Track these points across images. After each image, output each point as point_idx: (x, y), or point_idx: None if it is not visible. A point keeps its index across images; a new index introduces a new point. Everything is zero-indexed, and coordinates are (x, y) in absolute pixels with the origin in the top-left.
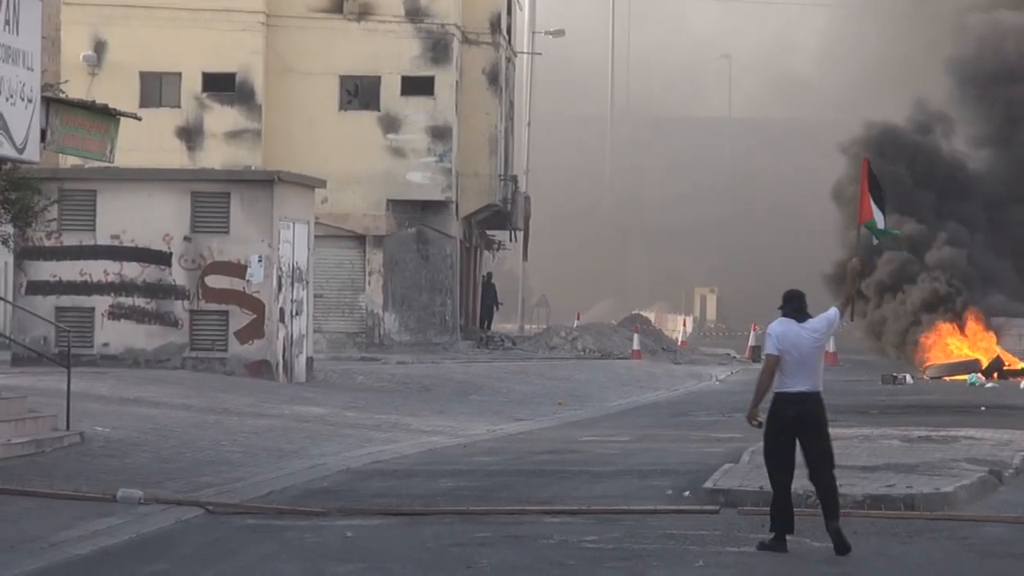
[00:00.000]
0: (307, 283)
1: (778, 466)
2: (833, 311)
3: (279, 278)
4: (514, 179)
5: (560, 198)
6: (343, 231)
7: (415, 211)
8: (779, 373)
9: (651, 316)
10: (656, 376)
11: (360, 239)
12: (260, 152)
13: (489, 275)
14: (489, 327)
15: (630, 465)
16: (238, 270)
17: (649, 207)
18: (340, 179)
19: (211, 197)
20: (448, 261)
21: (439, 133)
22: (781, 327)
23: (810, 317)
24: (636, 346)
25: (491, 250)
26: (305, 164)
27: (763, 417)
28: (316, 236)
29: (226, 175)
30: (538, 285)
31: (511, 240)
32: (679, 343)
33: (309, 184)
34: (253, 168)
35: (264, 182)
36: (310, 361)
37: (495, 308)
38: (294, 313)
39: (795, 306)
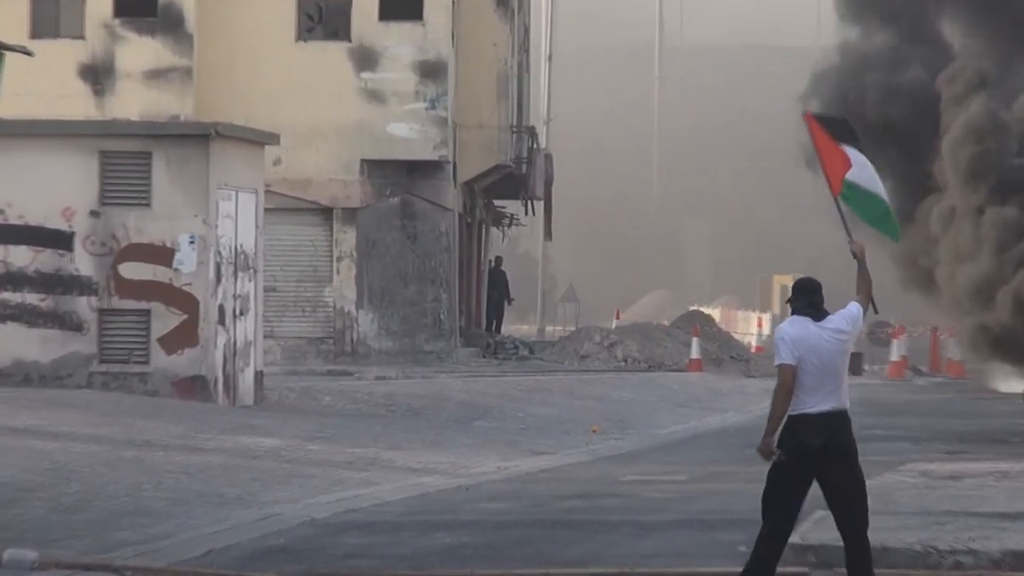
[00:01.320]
0: (255, 272)
1: (782, 511)
2: (854, 307)
3: (218, 266)
4: (531, 131)
5: (592, 157)
6: (303, 202)
7: (399, 175)
8: (798, 388)
9: (715, 314)
10: (722, 394)
11: (326, 213)
12: (191, 98)
13: (498, 260)
14: (498, 329)
15: (689, 513)
16: (163, 255)
17: (711, 168)
18: (299, 133)
19: (126, 158)
20: (443, 242)
21: (430, 71)
22: (795, 328)
23: (828, 314)
24: (695, 354)
25: (501, 227)
26: (252, 114)
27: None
28: (267, 209)
29: (146, 128)
30: (564, 273)
31: (527, 213)
32: (753, 349)
33: (257, 140)
34: (182, 119)
35: (197, 138)
36: (259, 376)
37: (506, 304)
38: (238, 313)
39: (810, 300)
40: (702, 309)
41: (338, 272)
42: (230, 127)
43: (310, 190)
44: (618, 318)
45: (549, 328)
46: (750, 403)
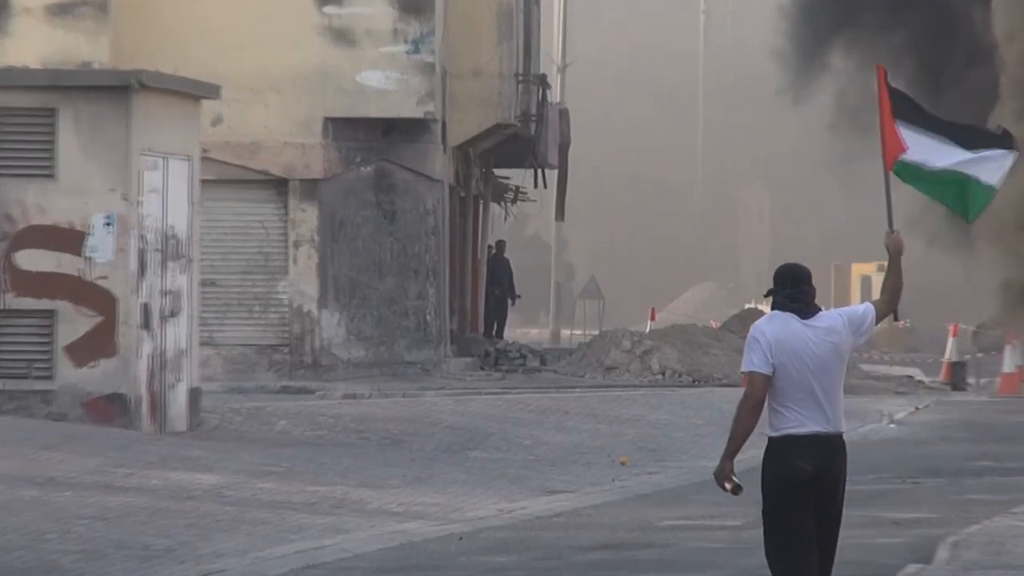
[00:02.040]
0: (190, 262)
1: (799, 556)
2: (863, 307)
3: (141, 254)
4: (542, 81)
5: (619, 113)
6: (250, 173)
7: (372, 137)
8: (773, 403)
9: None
10: None
11: (279, 185)
12: (107, 38)
13: (500, 246)
14: (500, 334)
15: (745, 568)
16: (71, 241)
17: (771, 126)
18: (244, 85)
19: (23, 117)
20: (429, 222)
21: (412, 4)
22: (775, 327)
23: (820, 310)
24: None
25: (503, 203)
26: (185, 60)
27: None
28: (205, 182)
29: (49, 79)
30: (583, 262)
31: (537, 186)
32: None
33: (192, 94)
34: (96, 66)
35: (114, 90)
36: (196, 395)
37: (510, 302)
38: (167, 314)
39: (795, 292)
40: (760, 307)
41: (295, 261)
42: (157, 76)
43: (259, 157)
44: (653, 319)
45: (565, 332)
46: None
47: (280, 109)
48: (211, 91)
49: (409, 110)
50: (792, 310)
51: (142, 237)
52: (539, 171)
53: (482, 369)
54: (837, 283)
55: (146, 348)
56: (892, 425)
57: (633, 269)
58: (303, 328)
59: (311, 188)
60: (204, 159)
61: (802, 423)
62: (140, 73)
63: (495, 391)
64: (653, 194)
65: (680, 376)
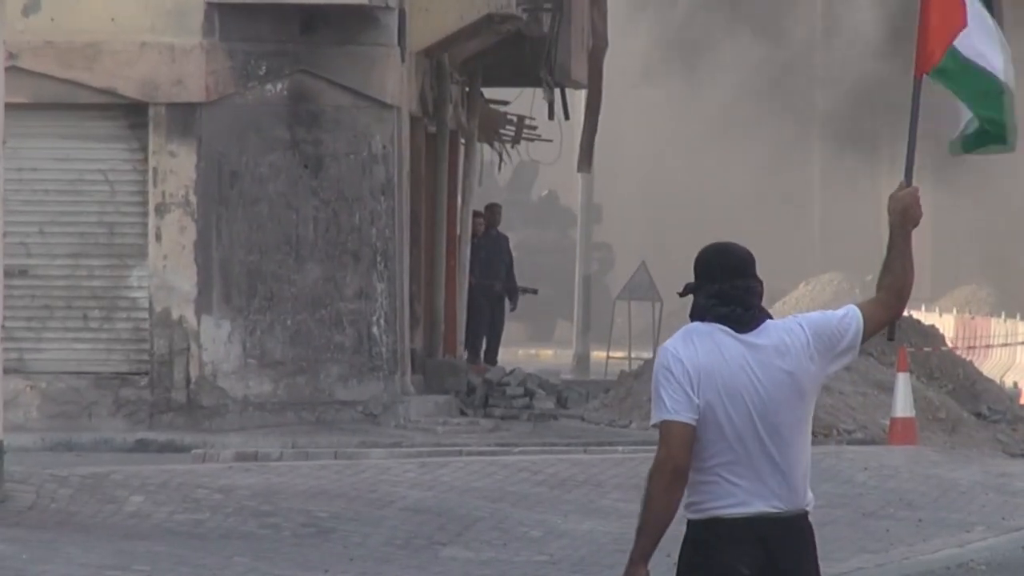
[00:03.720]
0: None
1: None
2: (848, 312)
3: None
4: None
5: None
6: (87, 92)
7: (285, 35)
8: (694, 469)
9: (944, 323)
10: (961, 492)
11: (133, 114)
12: None
13: (492, 214)
14: (493, 356)
15: None
16: None
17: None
18: None
19: None
20: (378, 175)
21: None
22: (695, 347)
23: (767, 318)
24: (902, 409)
25: (499, 145)
26: None
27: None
28: (11, 107)
29: None
30: (629, 243)
31: (553, 117)
32: (1021, 396)
33: None
34: None
35: None
36: None
37: (509, 304)
38: None
39: (726, 288)
40: (915, 314)
41: (159, 238)
42: None
43: (101, 67)
44: None
45: (597, 354)
46: (1017, 512)
47: None
48: None
49: None
50: (721, 318)
51: None
52: (558, 92)
53: (463, 414)
54: None
55: None
56: None
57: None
58: (172, 347)
59: (185, 118)
60: (10, 70)
61: (740, 499)
62: None
63: (484, 450)
64: (741, 140)
65: None
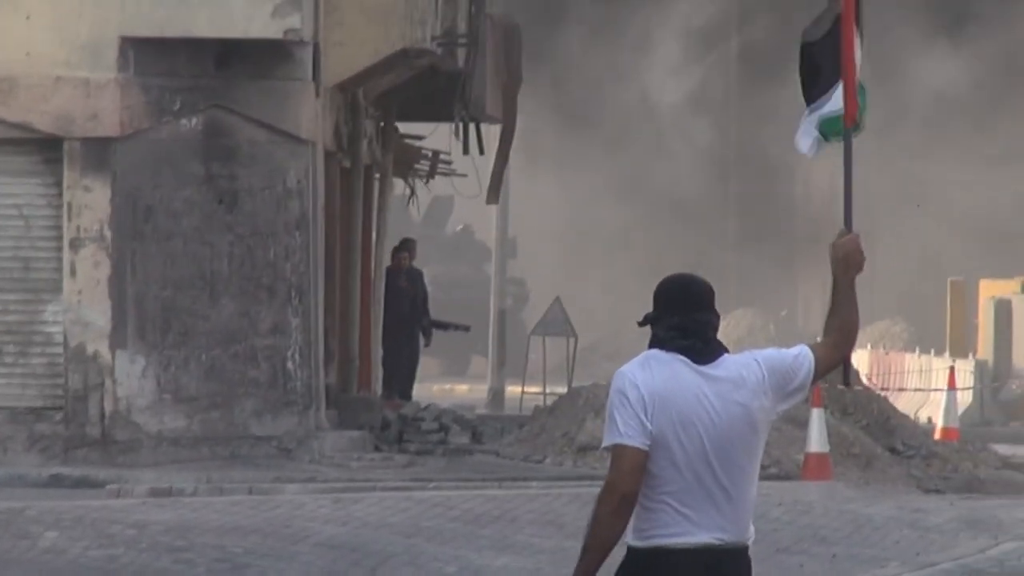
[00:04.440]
0: None
1: None
2: (800, 352)
3: None
4: None
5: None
6: (2, 125)
7: (200, 70)
8: (648, 496)
9: (858, 358)
10: (876, 528)
11: (48, 148)
12: None
13: (404, 248)
14: (407, 392)
15: None
16: None
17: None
18: None
19: None
20: (292, 210)
21: None
22: (652, 374)
23: (724, 352)
24: (815, 444)
25: (412, 179)
26: None
27: None
28: None
29: None
30: (542, 278)
31: (468, 152)
32: (936, 433)
33: None
34: None
35: None
36: None
37: (423, 339)
38: None
39: (686, 321)
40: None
41: (73, 273)
42: None
43: (14, 101)
44: None
45: (512, 388)
46: (931, 546)
47: (50, 24)
48: None
49: (260, 27)
50: (681, 350)
51: None
52: (472, 127)
53: (378, 449)
54: (954, 311)
55: None
56: None
57: (620, 289)
58: (86, 382)
59: (100, 153)
60: None
61: (685, 529)
62: None
63: (399, 485)
64: (653, 163)
65: None
